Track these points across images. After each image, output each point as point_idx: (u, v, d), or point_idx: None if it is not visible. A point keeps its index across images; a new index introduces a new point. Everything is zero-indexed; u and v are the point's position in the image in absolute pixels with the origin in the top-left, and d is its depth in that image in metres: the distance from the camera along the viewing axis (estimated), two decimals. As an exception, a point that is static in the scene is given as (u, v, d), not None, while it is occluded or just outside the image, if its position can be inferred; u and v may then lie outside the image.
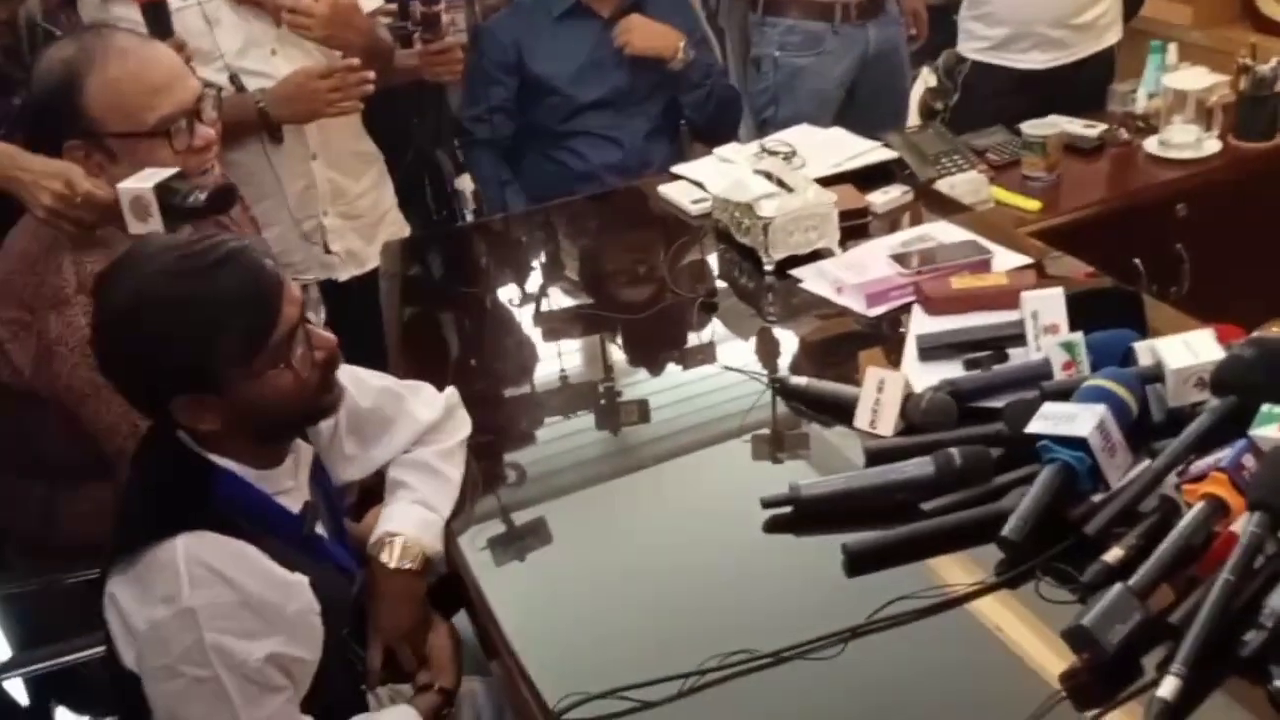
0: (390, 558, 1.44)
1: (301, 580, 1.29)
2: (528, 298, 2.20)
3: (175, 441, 1.32)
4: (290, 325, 1.30)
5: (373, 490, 1.60)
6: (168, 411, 1.29)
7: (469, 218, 2.93)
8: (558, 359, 1.97)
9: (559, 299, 2.20)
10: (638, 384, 1.91)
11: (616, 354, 2.02)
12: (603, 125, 2.75)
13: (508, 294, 2.27)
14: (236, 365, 1.27)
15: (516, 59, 2.73)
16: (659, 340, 2.01)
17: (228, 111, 1.96)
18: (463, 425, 1.62)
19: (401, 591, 1.45)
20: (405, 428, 1.56)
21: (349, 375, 1.46)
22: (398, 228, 2.44)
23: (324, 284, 2.32)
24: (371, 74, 2.13)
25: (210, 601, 1.21)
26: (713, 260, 2.19)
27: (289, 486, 1.38)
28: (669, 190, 2.39)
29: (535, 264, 2.44)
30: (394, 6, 2.34)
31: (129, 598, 1.24)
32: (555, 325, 2.08)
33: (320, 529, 1.42)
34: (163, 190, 1.54)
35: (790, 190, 2.04)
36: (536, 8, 2.79)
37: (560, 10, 2.74)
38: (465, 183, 2.94)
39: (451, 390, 1.63)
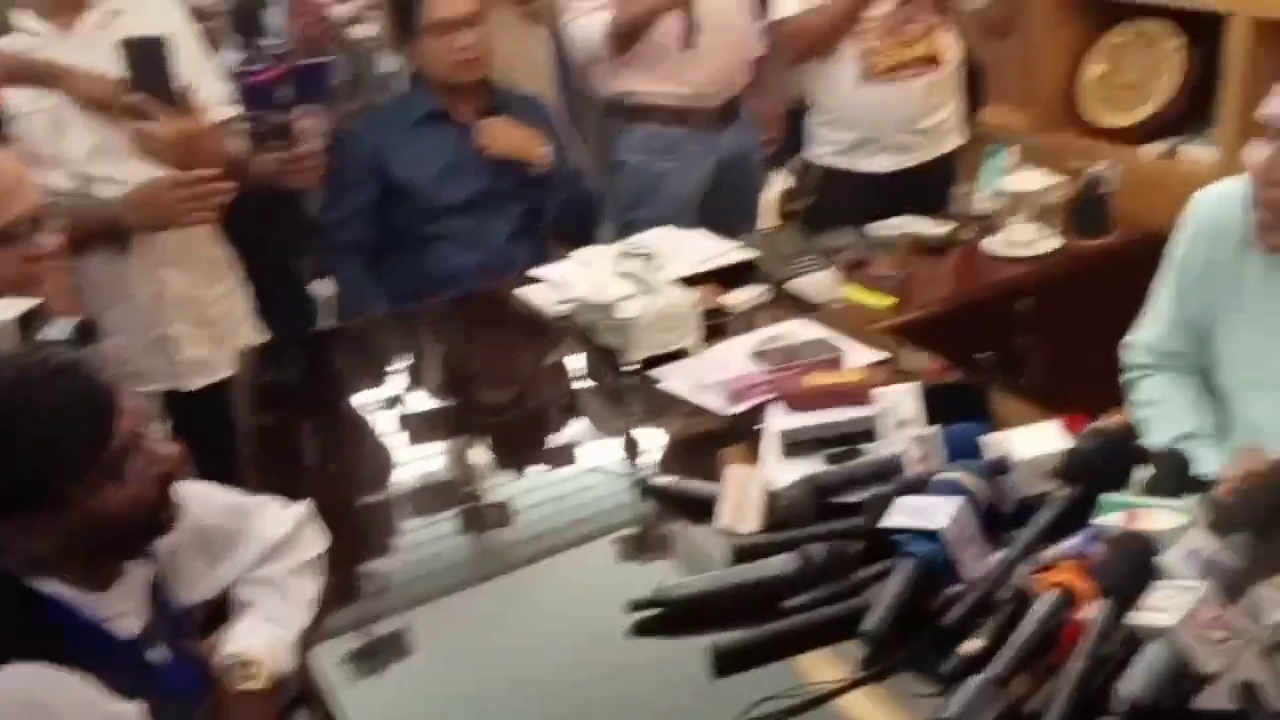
0: (237, 679, 1.38)
1: (135, 711, 1.22)
2: (389, 402, 2.17)
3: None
4: (127, 437, 1.25)
5: (223, 605, 1.54)
6: (-7, 532, 1.23)
7: (328, 322, 2.88)
8: (419, 463, 1.94)
9: (421, 402, 2.17)
10: (501, 487, 1.89)
11: (479, 457, 2.00)
12: (465, 228, 2.75)
13: (368, 398, 2.23)
14: (70, 480, 1.21)
15: (378, 163, 2.72)
16: (522, 442, 2.00)
17: (76, 218, 1.91)
18: (316, 540, 1.57)
19: (250, 715, 1.38)
20: (253, 544, 1.50)
21: (194, 491, 1.41)
22: (253, 334, 2.39)
23: (169, 393, 2.25)
24: (228, 184, 2.10)
25: None
26: (575, 361, 2.20)
27: (125, 608, 1.31)
28: (529, 293, 2.40)
29: (396, 367, 2.40)
30: (250, 113, 2.32)
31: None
32: (417, 429, 2.05)
33: (161, 651, 1.35)
34: (24, 327, 1.49)
35: (651, 291, 2.06)
36: (396, 112, 2.80)
37: (419, 115, 2.75)
38: (324, 287, 2.91)
39: (306, 504, 1.59)
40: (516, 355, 2.33)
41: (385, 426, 2.07)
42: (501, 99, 2.80)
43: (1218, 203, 1.75)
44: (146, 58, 2.03)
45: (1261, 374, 1.72)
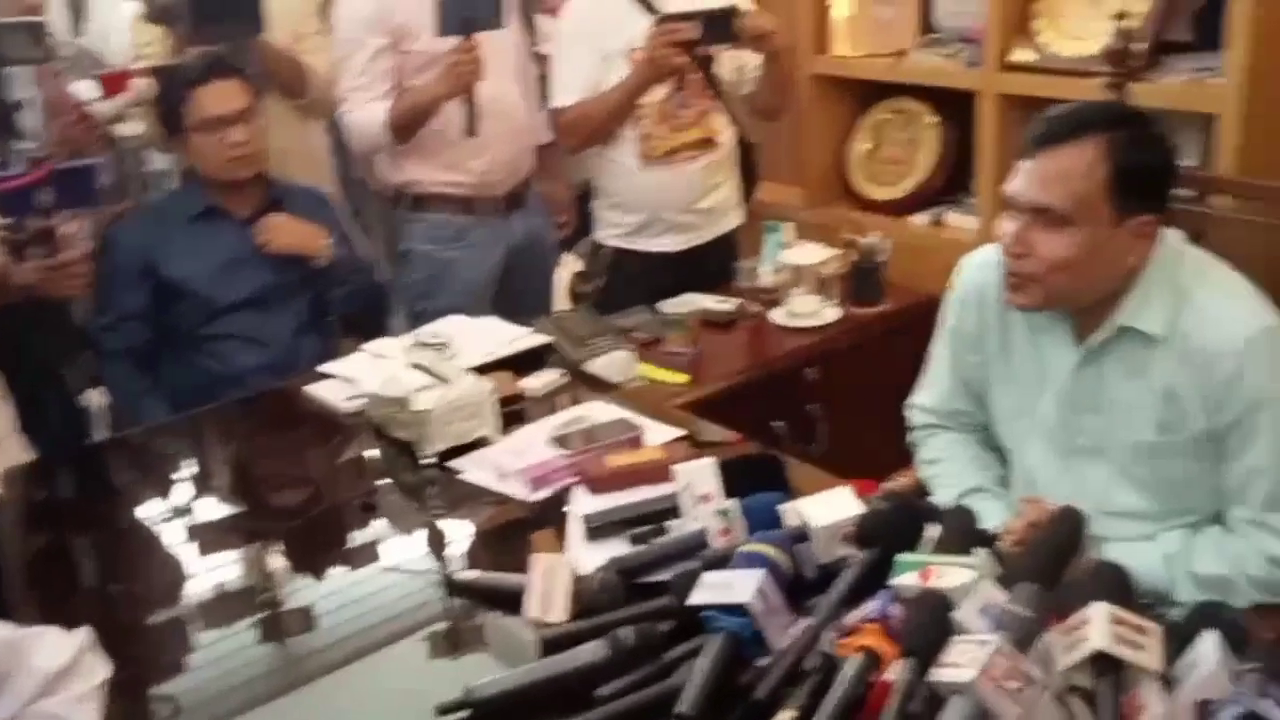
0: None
1: None
2: (175, 513, 2.06)
3: None
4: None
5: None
6: None
7: (102, 434, 2.73)
8: (211, 575, 1.85)
9: (210, 511, 2.07)
10: (301, 591, 1.81)
11: (276, 563, 1.92)
12: (247, 326, 2.67)
13: (151, 511, 2.11)
14: None
15: (148, 263, 2.61)
16: (320, 544, 1.93)
17: None
18: (98, 668, 1.46)
19: None
20: (28, 679, 1.39)
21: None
22: (17, 453, 2.24)
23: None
24: None
25: None
26: (371, 457, 2.14)
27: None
28: (319, 389, 2.34)
29: (181, 476, 2.29)
30: (7, 221, 2.20)
31: None
32: (207, 539, 1.95)
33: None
34: None
35: (445, 381, 2.04)
36: (168, 211, 2.71)
37: (194, 212, 2.66)
38: (96, 397, 2.76)
39: (85, 631, 1.48)
40: (309, 455, 2.26)
41: (173, 539, 1.96)
42: (279, 193, 2.74)
43: (980, 268, 1.86)
44: None
45: (1031, 425, 1.82)
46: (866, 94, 3.48)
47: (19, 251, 2.18)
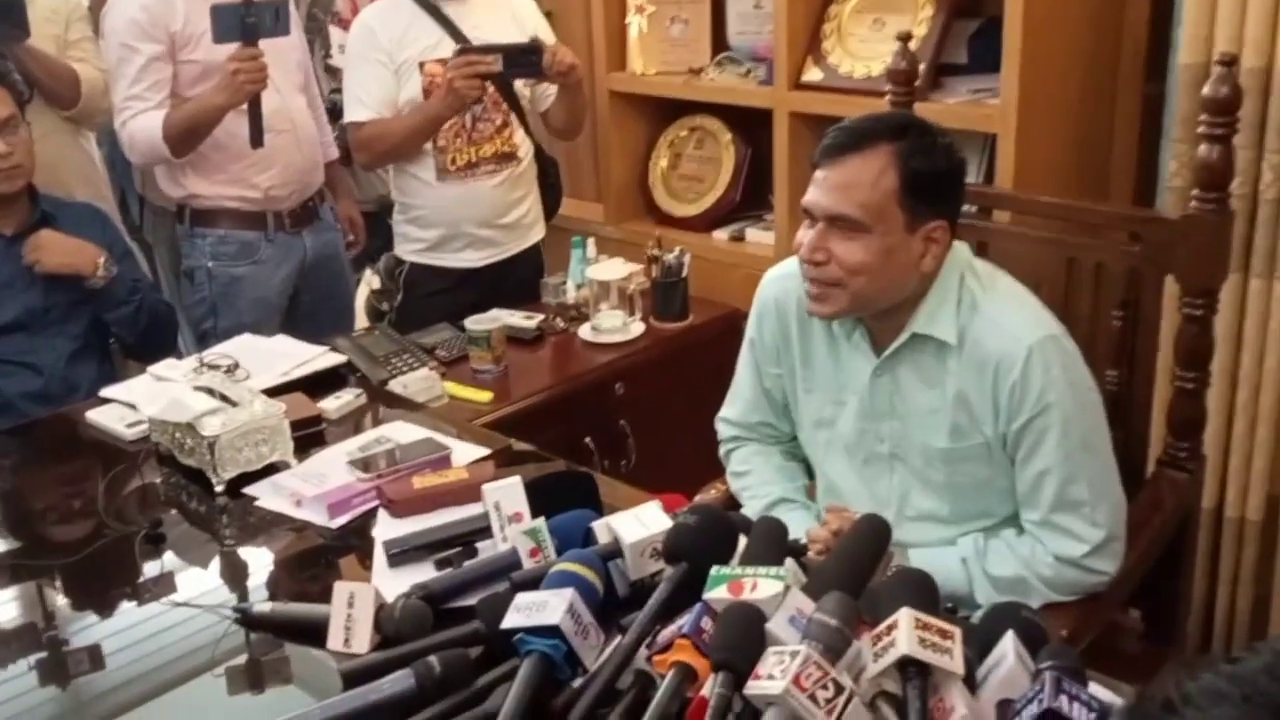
0: None
1: None
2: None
3: None
4: None
5: None
6: None
7: None
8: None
9: (-20, 549, 1.92)
10: (86, 630, 1.69)
11: (57, 600, 1.80)
12: (16, 350, 2.51)
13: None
14: None
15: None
16: (104, 579, 1.81)
17: None
18: None
19: None
20: None
21: None
22: None
23: None
24: None
25: None
26: (157, 486, 2.03)
27: None
28: (99, 415, 2.20)
29: (-56, 513, 2.12)
30: None
31: None
32: (-23, 579, 1.81)
33: None
34: None
35: (235, 404, 1.95)
36: (-76, 229, 2.53)
37: (-47, 230, 2.49)
38: None
39: None
40: (90, 485, 2.12)
41: (-64, 583, 1.81)
42: (49, 209, 2.60)
43: (780, 280, 1.89)
44: None
45: (833, 436, 1.86)
46: (664, 111, 3.52)
47: None
